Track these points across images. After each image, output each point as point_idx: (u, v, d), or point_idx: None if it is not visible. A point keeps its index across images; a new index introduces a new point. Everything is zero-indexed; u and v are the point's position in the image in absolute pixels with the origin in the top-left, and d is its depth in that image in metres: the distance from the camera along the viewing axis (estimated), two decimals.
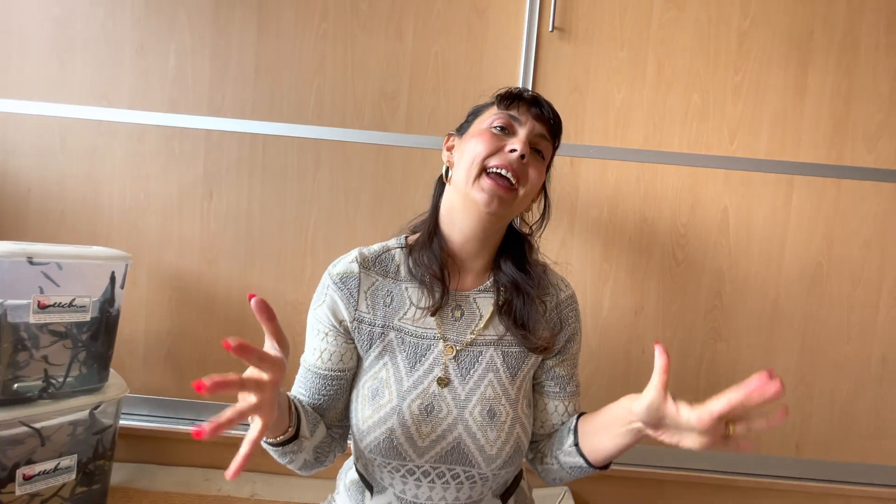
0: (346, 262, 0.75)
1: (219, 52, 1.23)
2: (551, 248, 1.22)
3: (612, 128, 1.21)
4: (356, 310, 0.73)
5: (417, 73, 1.22)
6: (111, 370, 1.12)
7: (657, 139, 1.21)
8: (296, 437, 0.66)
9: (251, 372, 0.53)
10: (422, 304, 0.73)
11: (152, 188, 1.26)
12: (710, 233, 1.22)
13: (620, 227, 1.23)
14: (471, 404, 0.71)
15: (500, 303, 0.75)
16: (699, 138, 1.21)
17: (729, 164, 1.21)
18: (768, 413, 0.57)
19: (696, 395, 0.61)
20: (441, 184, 0.80)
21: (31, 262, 0.96)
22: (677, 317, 1.23)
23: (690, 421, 0.57)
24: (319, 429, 0.72)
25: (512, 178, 0.69)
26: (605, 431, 0.69)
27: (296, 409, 0.67)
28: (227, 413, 0.48)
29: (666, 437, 0.62)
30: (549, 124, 0.74)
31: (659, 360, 0.60)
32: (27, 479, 0.98)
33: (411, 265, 0.75)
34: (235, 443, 1.33)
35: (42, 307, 0.98)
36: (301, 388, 0.75)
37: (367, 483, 0.76)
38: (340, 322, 0.73)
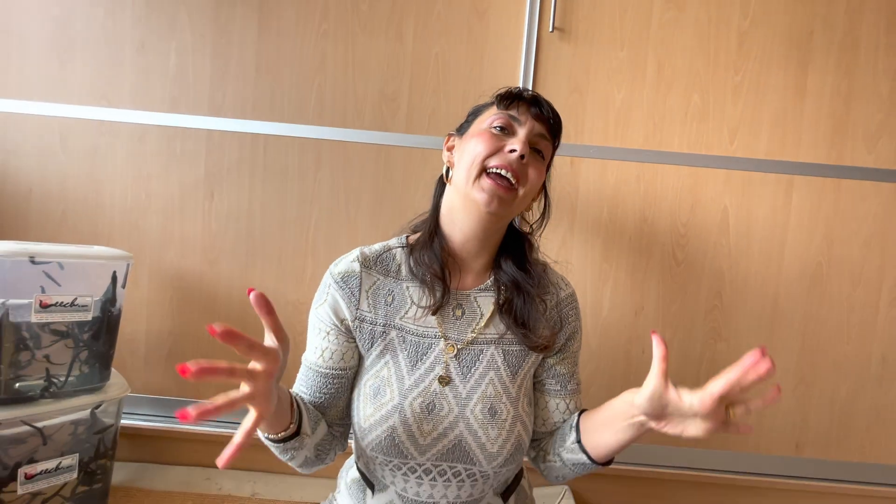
0: (348, 262, 0.76)
1: (219, 51, 1.23)
2: (551, 247, 1.22)
3: (612, 128, 1.22)
4: (358, 309, 0.73)
5: (418, 74, 1.22)
6: (112, 370, 1.12)
7: (657, 139, 1.21)
8: (297, 433, 0.67)
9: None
10: (423, 303, 0.74)
11: (153, 188, 1.26)
12: (710, 233, 1.22)
13: (620, 226, 1.23)
14: (472, 402, 0.71)
15: (500, 302, 0.75)
16: (699, 138, 1.21)
17: (729, 164, 1.21)
18: (763, 392, 0.58)
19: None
20: (441, 184, 0.80)
21: (32, 262, 0.96)
22: (677, 317, 1.24)
23: (693, 406, 0.58)
24: (321, 426, 0.72)
25: (511, 179, 0.69)
26: (607, 427, 0.69)
27: (298, 406, 0.67)
28: (218, 399, 0.47)
29: (669, 428, 0.61)
30: (549, 124, 0.74)
31: (657, 349, 0.60)
32: (29, 478, 0.98)
33: (412, 264, 0.75)
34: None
35: (44, 306, 0.98)
36: (302, 387, 0.75)
37: (369, 481, 0.77)
38: (342, 321, 0.74)
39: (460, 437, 0.70)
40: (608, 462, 0.73)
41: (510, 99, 0.73)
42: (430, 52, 1.22)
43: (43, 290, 0.98)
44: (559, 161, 1.21)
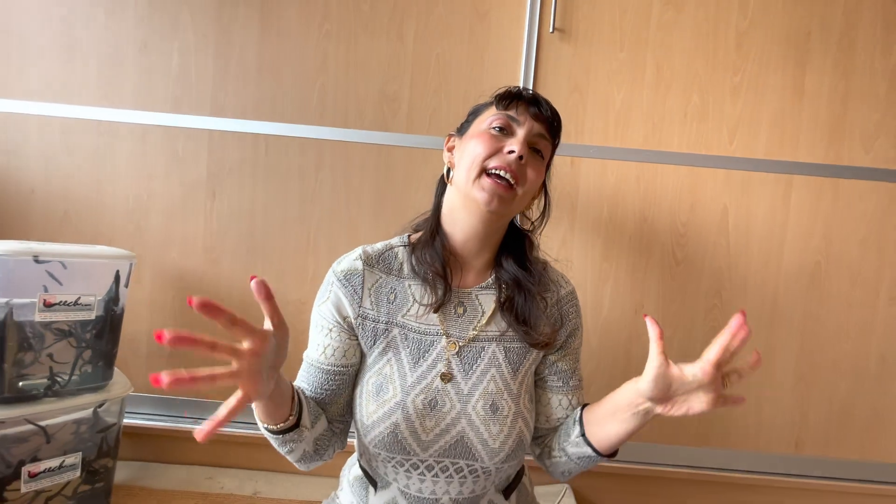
0: (351, 260, 0.76)
1: (222, 52, 1.24)
2: (552, 247, 1.23)
3: (612, 128, 1.22)
4: (360, 306, 0.74)
5: (419, 74, 1.23)
6: (115, 369, 1.13)
7: (657, 139, 1.22)
8: (296, 426, 0.67)
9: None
10: (425, 301, 0.74)
11: (155, 188, 1.26)
12: (709, 232, 1.23)
13: (620, 226, 1.24)
14: (474, 399, 0.72)
15: (501, 299, 0.76)
16: (698, 138, 1.22)
17: (728, 164, 1.22)
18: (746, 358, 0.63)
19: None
20: (442, 184, 0.81)
21: (36, 261, 0.97)
22: (677, 316, 1.24)
23: (696, 376, 0.61)
24: (321, 421, 0.73)
25: (510, 179, 0.70)
26: (611, 418, 0.70)
27: (299, 398, 0.68)
28: (199, 371, 0.48)
29: (675, 409, 0.63)
30: (548, 123, 0.75)
31: (652, 330, 0.62)
32: (32, 476, 0.99)
33: (414, 263, 0.76)
34: (238, 440, 1.34)
35: (47, 305, 0.98)
36: (303, 383, 0.76)
37: (371, 479, 0.77)
38: (344, 318, 0.74)
39: (462, 434, 0.71)
40: (613, 454, 0.74)
41: (509, 99, 0.74)
42: (432, 52, 1.23)
43: (46, 290, 0.98)
44: (560, 161, 1.22)
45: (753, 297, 1.23)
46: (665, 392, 0.63)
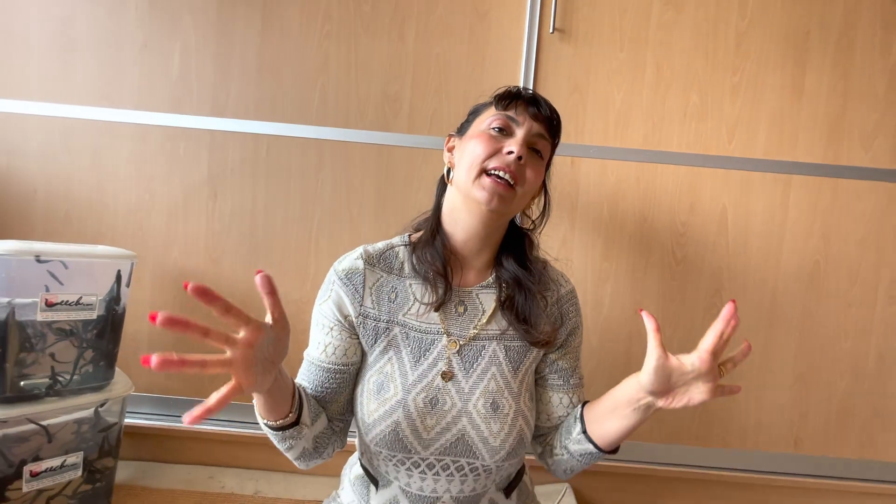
0: (352, 259, 0.77)
1: (222, 52, 1.24)
2: (552, 246, 1.23)
3: (611, 128, 1.23)
4: (361, 305, 0.74)
5: (420, 75, 1.23)
6: (116, 368, 1.13)
7: (656, 139, 1.23)
8: (296, 423, 0.68)
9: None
10: (425, 300, 0.75)
11: (156, 188, 1.27)
12: (708, 231, 1.24)
13: (620, 226, 1.24)
14: (474, 397, 0.72)
15: (502, 298, 0.77)
16: (698, 138, 1.22)
17: (727, 164, 1.22)
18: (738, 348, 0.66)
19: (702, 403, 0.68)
20: (443, 184, 0.81)
21: (38, 261, 0.97)
22: (677, 315, 1.25)
23: (695, 365, 0.62)
24: (321, 419, 0.73)
25: (510, 180, 0.71)
26: (612, 414, 0.70)
27: (300, 396, 0.68)
28: (190, 355, 0.48)
29: (676, 401, 0.64)
30: (548, 123, 0.75)
31: (649, 323, 0.63)
32: (34, 475, 0.99)
33: (415, 262, 0.76)
34: (238, 440, 1.34)
35: (49, 305, 0.99)
36: (304, 382, 0.76)
37: (373, 477, 0.77)
38: (346, 317, 0.75)
39: (463, 432, 0.71)
40: (615, 450, 0.74)
41: (508, 99, 0.74)
42: (432, 52, 1.23)
43: (47, 290, 0.99)
44: (560, 161, 1.22)
45: (752, 297, 1.24)
46: (665, 384, 0.64)
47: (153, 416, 1.28)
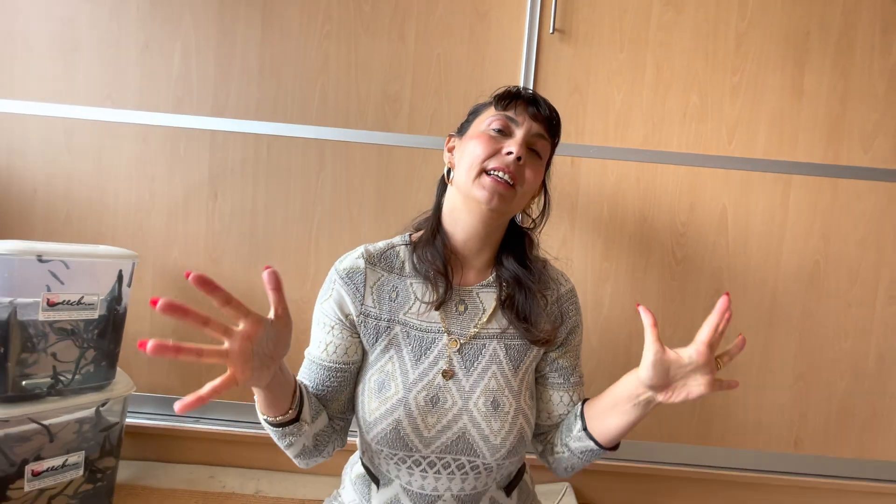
0: (353, 258, 0.77)
1: (223, 53, 1.25)
2: (552, 246, 1.23)
3: (612, 128, 1.23)
4: (362, 304, 0.75)
5: (420, 75, 1.24)
6: (117, 368, 1.13)
7: (656, 139, 1.23)
8: (297, 420, 0.68)
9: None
10: (426, 299, 0.75)
11: (157, 188, 1.27)
12: (708, 231, 1.24)
13: (620, 226, 1.24)
14: (475, 395, 0.72)
15: (502, 297, 0.77)
16: (698, 138, 1.23)
17: (727, 164, 1.22)
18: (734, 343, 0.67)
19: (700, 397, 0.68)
20: (443, 184, 0.82)
21: (40, 260, 0.97)
22: (677, 314, 1.25)
23: (692, 357, 0.63)
24: (321, 417, 0.73)
25: (509, 180, 0.71)
26: (612, 411, 0.71)
27: (300, 393, 0.69)
28: (186, 343, 0.49)
29: (675, 395, 0.65)
30: (547, 123, 0.76)
31: (646, 318, 0.64)
32: (36, 475, 0.99)
33: (416, 261, 0.77)
34: (239, 440, 1.34)
35: (51, 305, 0.99)
36: (305, 381, 0.76)
37: (374, 476, 0.78)
38: (347, 316, 0.75)
39: (464, 430, 0.71)
40: (615, 447, 0.74)
41: (508, 99, 0.75)
42: (432, 52, 1.23)
43: (49, 289, 0.99)
44: (560, 161, 1.23)
45: (752, 296, 1.24)
46: (664, 378, 0.64)
47: (154, 415, 1.29)
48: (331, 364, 0.75)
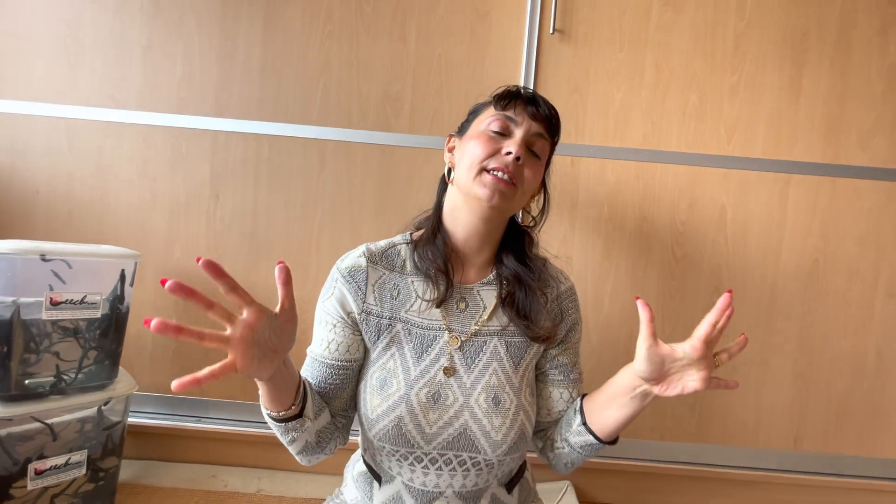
0: (354, 257, 0.77)
1: (225, 53, 1.25)
2: (552, 245, 1.24)
3: (611, 128, 1.24)
4: (364, 302, 0.75)
5: (421, 75, 1.24)
6: (120, 367, 1.14)
7: (656, 139, 1.23)
8: (300, 415, 0.69)
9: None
10: (427, 297, 0.76)
11: (159, 188, 1.28)
12: (708, 230, 1.24)
13: (620, 225, 1.25)
14: (476, 392, 0.73)
15: (502, 295, 0.77)
16: (697, 138, 1.23)
17: (726, 163, 1.23)
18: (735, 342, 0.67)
19: (696, 392, 0.68)
20: (444, 183, 0.82)
21: (43, 260, 0.98)
22: (677, 313, 1.25)
23: (687, 352, 0.64)
24: (324, 414, 0.74)
25: (509, 179, 0.71)
26: (611, 404, 0.71)
27: (304, 389, 0.69)
28: (189, 326, 0.50)
29: (671, 389, 0.66)
30: (546, 122, 0.76)
31: (643, 312, 0.65)
32: (38, 473, 1.00)
33: (417, 259, 0.77)
34: (241, 439, 1.35)
35: (54, 304, 0.99)
36: (308, 378, 0.77)
37: (375, 473, 0.78)
38: (349, 314, 0.75)
39: (465, 426, 0.72)
40: (614, 441, 0.75)
41: (507, 98, 0.75)
42: (433, 53, 1.24)
43: (51, 289, 0.99)
44: (560, 160, 1.23)
45: (752, 295, 1.25)
46: (658, 371, 0.65)
47: (156, 415, 1.29)
48: (333, 362, 0.75)
